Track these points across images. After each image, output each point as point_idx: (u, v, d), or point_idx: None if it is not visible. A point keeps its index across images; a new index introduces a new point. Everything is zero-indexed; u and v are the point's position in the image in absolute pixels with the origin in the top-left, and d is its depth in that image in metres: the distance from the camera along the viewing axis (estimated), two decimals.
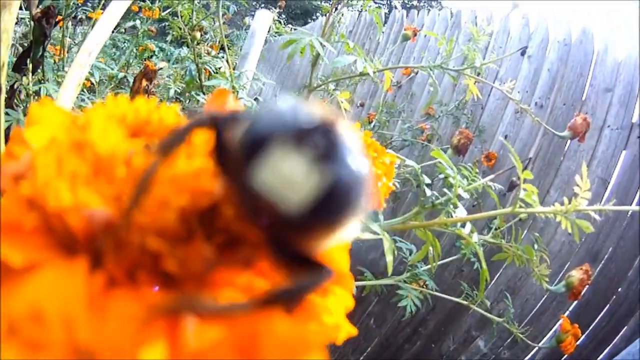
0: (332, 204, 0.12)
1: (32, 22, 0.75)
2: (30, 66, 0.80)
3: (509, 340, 1.69)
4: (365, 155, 0.13)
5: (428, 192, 0.68)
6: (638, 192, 1.55)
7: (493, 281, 1.79)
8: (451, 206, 0.65)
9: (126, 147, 0.14)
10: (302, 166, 0.12)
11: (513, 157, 0.61)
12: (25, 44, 0.91)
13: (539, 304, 1.70)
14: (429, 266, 1.31)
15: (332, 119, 0.13)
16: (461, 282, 1.46)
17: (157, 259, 0.13)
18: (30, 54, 0.76)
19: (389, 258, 0.58)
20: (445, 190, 0.68)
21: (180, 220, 0.13)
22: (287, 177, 0.12)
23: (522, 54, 1.90)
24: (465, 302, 1.27)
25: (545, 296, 1.68)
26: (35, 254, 0.12)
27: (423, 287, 1.29)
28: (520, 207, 0.62)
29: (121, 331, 0.11)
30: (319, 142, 0.12)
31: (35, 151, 0.14)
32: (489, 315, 1.25)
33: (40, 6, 0.81)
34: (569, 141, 1.70)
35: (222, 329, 0.12)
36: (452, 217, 0.65)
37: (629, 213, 1.52)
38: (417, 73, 2.30)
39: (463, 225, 0.65)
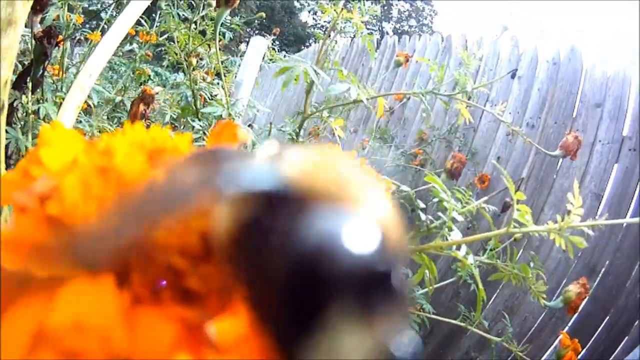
0: None
1: (32, 40, 0.76)
2: (30, 85, 0.81)
3: None
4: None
5: (423, 216, 0.70)
6: (632, 204, 1.57)
7: (490, 302, 1.79)
8: (446, 229, 0.66)
9: (148, 173, 0.15)
10: (364, 344, 0.10)
11: (505, 179, 0.62)
12: (25, 62, 0.92)
13: (538, 322, 1.70)
14: (425, 289, 1.32)
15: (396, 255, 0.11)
16: (458, 304, 1.46)
17: (179, 278, 0.13)
18: (31, 73, 0.77)
19: None
20: (439, 214, 0.69)
21: (199, 242, 0.14)
22: (346, 354, 0.10)
23: (512, 76, 1.93)
24: (463, 324, 1.27)
25: (544, 313, 1.68)
26: (57, 269, 0.12)
27: (420, 312, 1.29)
28: (515, 227, 0.64)
29: (154, 342, 0.12)
30: (384, 309, 0.11)
31: (55, 173, 0.15)
32: (487, 335, 1.25)
33: (42, 25, 0.83)
34: (561, 159, 1.72)
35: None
36: (447, 240, 0.66)
37: (624, 225, 1.54)
38: (409, 98, 2.34)
39: (458, 248, 0.66)
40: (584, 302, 1.53)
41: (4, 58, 0.37)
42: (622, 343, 1.50)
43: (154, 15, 1.67)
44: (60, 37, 1.10)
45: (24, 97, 0.84)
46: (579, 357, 1.17)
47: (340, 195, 0.12)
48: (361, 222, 0.11)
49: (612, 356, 1.52)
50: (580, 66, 1.84)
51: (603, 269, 1.60)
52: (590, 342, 1.55)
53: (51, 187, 0.14)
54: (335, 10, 1.19)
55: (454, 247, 0.66)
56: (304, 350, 0.10)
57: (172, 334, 0.12)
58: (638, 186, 1.57)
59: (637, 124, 1.64)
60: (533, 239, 1.72)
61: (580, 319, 1.59)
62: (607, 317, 1.55)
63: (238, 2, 0.91)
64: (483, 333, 1.25)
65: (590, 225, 0.63)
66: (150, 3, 0.57)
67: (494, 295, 1.79)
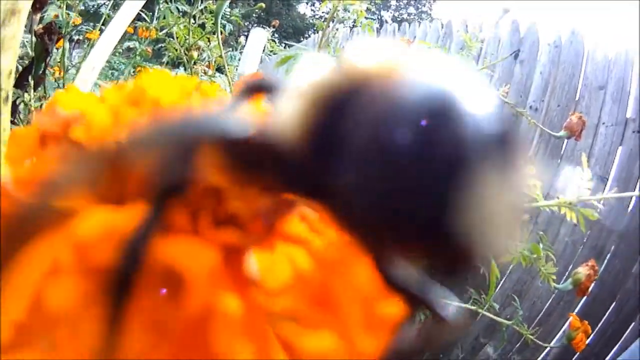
0: None
1: (32, 41, 0.76)
2: (32, 82, 0.81)
3: (518, 345, 1.68)
4: None
5: None
6: (637, 185, 1.56)
7: (498, 287, 1.79)
8: None
9: (185, 101, 0.14)
10: (508, 193, 0.09)
11: None
12: (26, 63, 0.93)
13: (546, 306, 1.70)
14: None
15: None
16: (467, 287, 1.46)
17: (219, 202, 0.12)
18: (32, 70, 0.77)
19: None
20: None
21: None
22: (496, 206, 0.09)
23: (515, 57, 1.92)
24: (473, 307, 1.27)
25: (552, 297, 1.68)
26: (79, 199, 0.11)
27: None
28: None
29: (196, 267, 0.11)
30: (514, 158, 0.09)
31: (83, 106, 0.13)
32: (497, 318, 1.25)
33: (42, 23, 0.83)
34: (565, 142, 1.72)
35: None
36: None
37: (629, 208, 1.54)
38: None
39: None
40: (591, 287, 1.54)
41: (7, 48, 0.37)
42: (631, 327, 1.50)
43: (150, 13, 1.66)
44: (60, 35, 1.10)
45: (26, 94, 0.84)
46: (587, 341, 1.17)
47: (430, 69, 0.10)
48: (475, 83, 0.10)
49: (621, 340, 1.52)
50: (582, 49, 1.83)
51: (610, 253, 1.60)
52: (599, 326, 1.55)
53: (77, 114, 0.13)
54: None
55: None
56: (458, 214, 0.09)
57: (215, 258, 0.11)
58: None
59: None
60: (539, 223, 1.71)
61: (587, 303, 1.59)
62: (615, 302, 1.55)
63: None
64: (493, 316, 1.25)
65: (600, 199, 0.63)
66: None
67: (502, 281, 1.79)
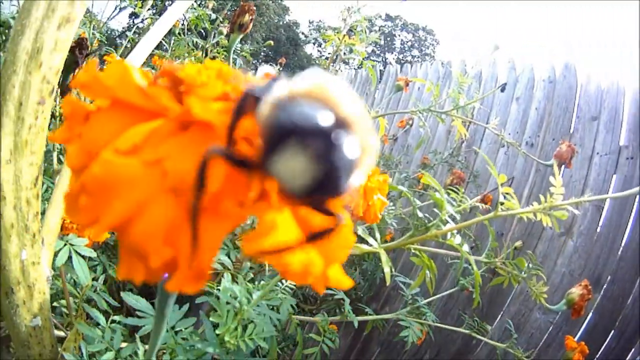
0: (323, 188, 0.17)
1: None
2: (59, 91, 0.88)
3: None
4: (368, 138, 0.18)
5: (420, 214, 0.75)
6: (632, 213, 1.59)
7: (497, 320, 1.79)
8: (440, 223, 0.70)
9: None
10: (305, 164, 0.17)
11: (490, 167, 0.67)
12: None
13: (545, 337, 1.70)
14: (429, 299, 1.35)
15: (346, 121, 0.18)
16: (464, 315, 1.48)
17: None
18: (60, 80, 0.84)
19: (387, 269, 0.64)
20: (435, 209, 0.74)
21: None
22: (292, 170, 0.17)
23: (502, 90, 2.01)
24: (467, 331, 1.30)
25: (551, 328, 1.69)
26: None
27: (424, 322, 1.31)
28: (502, 210, 0.68)
29: None
30: (321, 145, 0.17)
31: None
32: (492, 342, 1.27)
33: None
34: (561, 174, 1.76)
35: None
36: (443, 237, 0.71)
37: (625, 237, 1.57)
38: (412, 125, 2.44)
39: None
40: (589, 315, 1.54)
41: (59, 50, 0.43)
42: (632, 351, 1.50)
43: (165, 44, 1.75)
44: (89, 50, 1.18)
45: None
46: None
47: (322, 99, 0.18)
48: (324, 110, 0.18)
49: None
50: (575, 82, 1.91)
51: (608, 279, 1.61)
52: (599, 353, 1.55)
53: (179, 66, 0.22)
54: (337, 37, 1.28)
55: (449, 236, 0.71)
56: (271, 165, 0.17)
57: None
58: (638, 194, 1.60)
59: (633, 132, 1.68)
60: (536, 254, 1.74)
61: (587, 331, 1.59)
62: (615, 328, 1.56)
63: (250, 27, 0.98)
64: (489, 340, 1.27)
65: (573, 203, 0.67)
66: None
67: (500, 314, 1.80)
